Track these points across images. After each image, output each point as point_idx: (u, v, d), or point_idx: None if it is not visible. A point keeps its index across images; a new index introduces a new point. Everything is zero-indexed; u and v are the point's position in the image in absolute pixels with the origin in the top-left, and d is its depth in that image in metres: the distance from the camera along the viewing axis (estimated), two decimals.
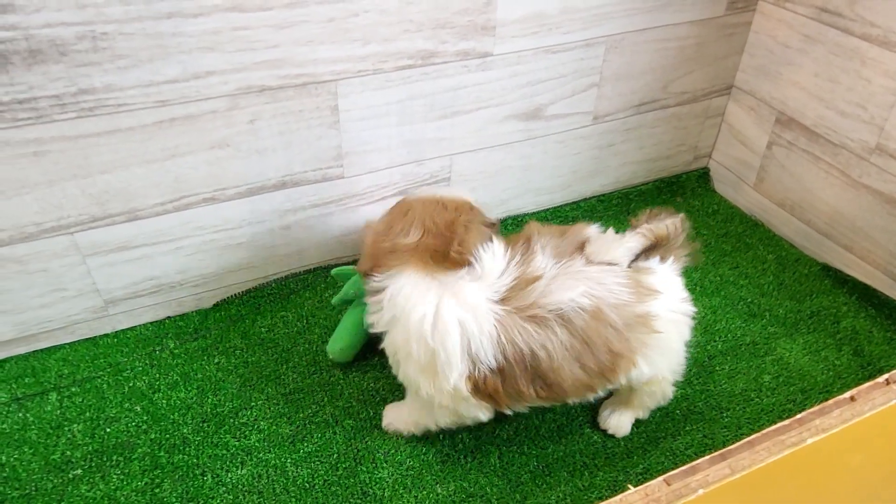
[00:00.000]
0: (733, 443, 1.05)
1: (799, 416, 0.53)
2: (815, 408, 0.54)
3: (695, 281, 1.33)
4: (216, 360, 1.16)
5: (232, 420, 1.06)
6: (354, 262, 1.34)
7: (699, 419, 1.07)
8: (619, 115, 1.43)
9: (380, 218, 0.98)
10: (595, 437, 1.04)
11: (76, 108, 0.96)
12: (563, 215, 1.52)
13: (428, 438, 1.03)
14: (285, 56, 1.04)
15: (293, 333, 1.22)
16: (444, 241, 0.88)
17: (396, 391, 1.10)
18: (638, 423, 1.06)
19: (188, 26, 0.96)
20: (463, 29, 1.14)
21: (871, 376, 1.14)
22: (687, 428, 1.06)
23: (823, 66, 1.30)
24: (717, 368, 1.16)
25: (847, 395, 0.56)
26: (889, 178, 1.22)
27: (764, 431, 0.53)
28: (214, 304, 1.26)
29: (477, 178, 1.37)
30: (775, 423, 1.09)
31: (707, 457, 0.51)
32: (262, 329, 1.22)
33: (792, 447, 0.52)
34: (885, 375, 0.58)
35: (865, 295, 1.29)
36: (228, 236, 1.19)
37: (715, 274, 1.36)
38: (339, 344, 1.11)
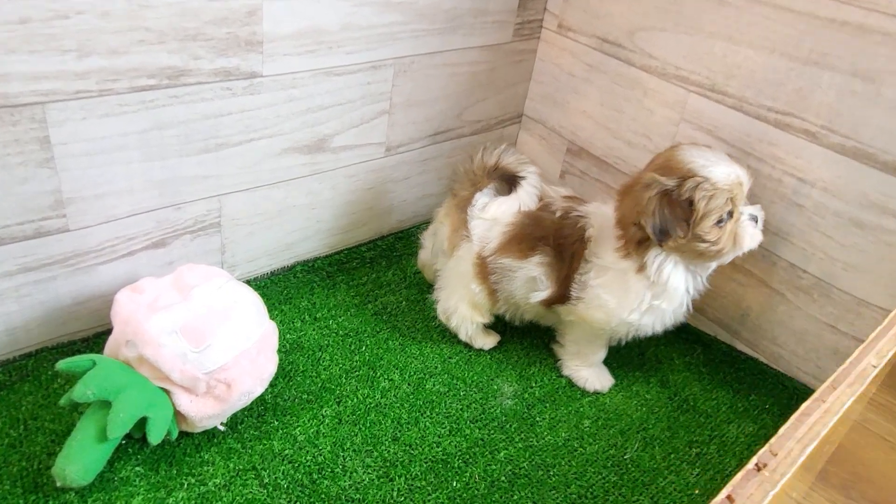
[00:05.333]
0: None
1: None
2: None
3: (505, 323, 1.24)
4: None
5: None
6: (93, 344, 1.04)
7: (526, 483, 0.96)
8: (415, 146, 1.31)
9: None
10: None
11: None
12: (360, 256, 1.35)
13: None
14: None
15: (3, 447, 0.89)
16: None
17: None
18: (465, 497, 0.91)
19: None
20: (221, 43, 0.93)
21: (680, 407, 1.13)
22: (515, 497, 0.94)
23: (608, 95, 1.30)
24: (538, 419, 1.07)
25: (723, 495, 0.45)
26: None
27: None
28: None
29: (255, 220, 1.15)
30: (601, 473, 1.03)
31: None
32: None
33: None
34: (755, 459, 0.48)
35: None
36: None
37: None
38: (72, 465, 0.81)
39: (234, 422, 0.98)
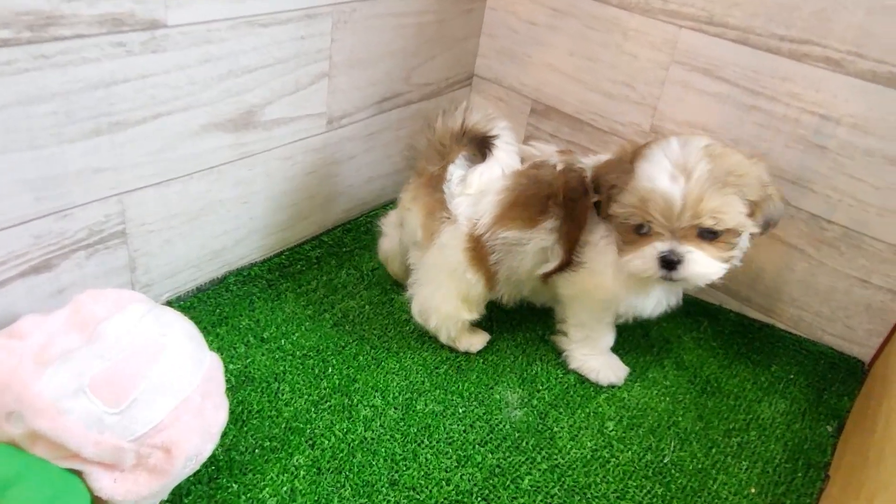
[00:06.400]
0: None
1: None
2: None
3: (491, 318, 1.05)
4: None
5: None
6: None
7: None
8: (360, 116, 1.08)
9: None
10: None
11: None
12: (305, 257, 1.11)
13: None
14: None
15: None
16: None
17: None
18: None
19: None
20: None
21: (704, 391, 0.98)
22: None
23: (579, 42, 1.12)
24: (556, 429, 0.89)
25: None
26: None
27: None
28: None
29: (172, 224, 0.88)
30: (644, 485, 0.86)
31: None
32: None
33: None
34: None
35: None
36: None
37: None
38: None
39: (178, 494, 0.73)
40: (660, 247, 0.80)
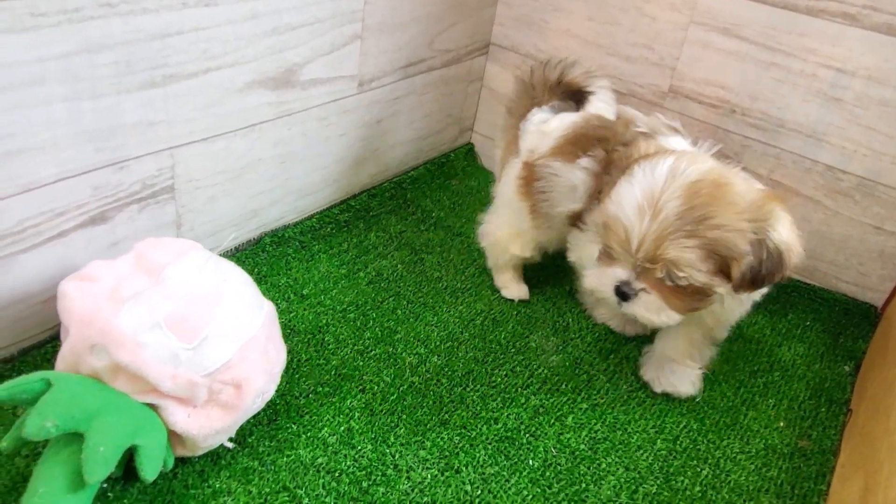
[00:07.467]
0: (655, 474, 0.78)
1: None
2: None
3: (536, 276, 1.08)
4: None
5: None
6: (19, 364, 0.77)
7: (609, 448, 0.81)
8: (387, 80, 1.10)
9: None
10: None
11: None
12: (334, 220, 1.13)
13: None
14: None
15: None
16: None
17: None
18: (549, 475, 0.75)
19: None
20: None
21: (728, 338, 1.02)
22: (603, 465, 0.79)
23: (597, 7, 1.15)
24: (591, 372, 0.92)
25: None
26: (687, 122, 1.12)
27: None
28: None
29: (217, 181, 0.90)
30: (680, 421, 0.90)
31: None
32: None
33: None
34: None
35: None
36: None
37: None
38: None
39: (242, 434, 0.75)
40: (619, 274, 0.74)
